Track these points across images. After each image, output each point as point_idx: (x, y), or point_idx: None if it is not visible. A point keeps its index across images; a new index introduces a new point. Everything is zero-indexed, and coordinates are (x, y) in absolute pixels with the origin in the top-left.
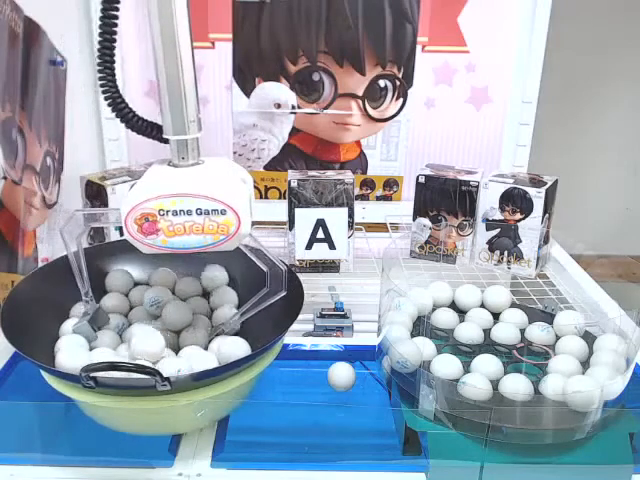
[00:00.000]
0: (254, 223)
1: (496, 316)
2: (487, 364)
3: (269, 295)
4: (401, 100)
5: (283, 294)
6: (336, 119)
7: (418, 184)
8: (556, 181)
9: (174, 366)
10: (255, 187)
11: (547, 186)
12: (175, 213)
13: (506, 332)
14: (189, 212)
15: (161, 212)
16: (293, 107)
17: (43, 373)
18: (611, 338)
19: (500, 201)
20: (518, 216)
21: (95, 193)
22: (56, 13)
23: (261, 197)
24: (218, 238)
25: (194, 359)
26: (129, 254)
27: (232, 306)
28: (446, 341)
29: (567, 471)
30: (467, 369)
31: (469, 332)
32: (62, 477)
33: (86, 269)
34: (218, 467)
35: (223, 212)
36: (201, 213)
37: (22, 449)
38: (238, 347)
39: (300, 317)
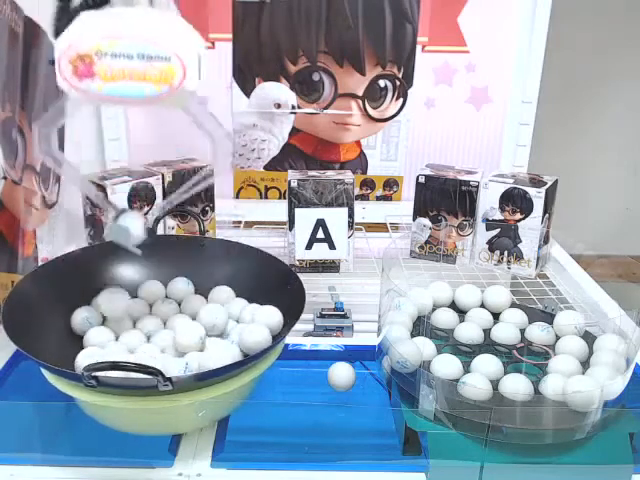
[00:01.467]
0: (253, 223)
1: (496, 316)
2: (487, 364)
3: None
4: (401, 100)
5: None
6: (336, 119)
7: (418, 184)
8: (556, 181)
9: (177, 365)
10: (255, 187)
11: (547, 186)
12: (114, 56)
13: (506, 332)
14: (129, 56)
15: (98, 54)
16: (293, 107)
17: (44, 372)
18: (611, 338)
19: (500, 201)
20: (518, 216)
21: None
22: None
23: (261, 197)
24: (160, 89)
25: (213, 350)
26: (129, 254)
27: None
28: (446, 341)
29: (567, 471)
30: (467, 369)
31: (469, 332)
32: (62, 477)
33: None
34: (218, 467)
35: (167, 59)
36: (143, 58)
37: (22, 449)
38: (260, 334)
39: (300, 317)
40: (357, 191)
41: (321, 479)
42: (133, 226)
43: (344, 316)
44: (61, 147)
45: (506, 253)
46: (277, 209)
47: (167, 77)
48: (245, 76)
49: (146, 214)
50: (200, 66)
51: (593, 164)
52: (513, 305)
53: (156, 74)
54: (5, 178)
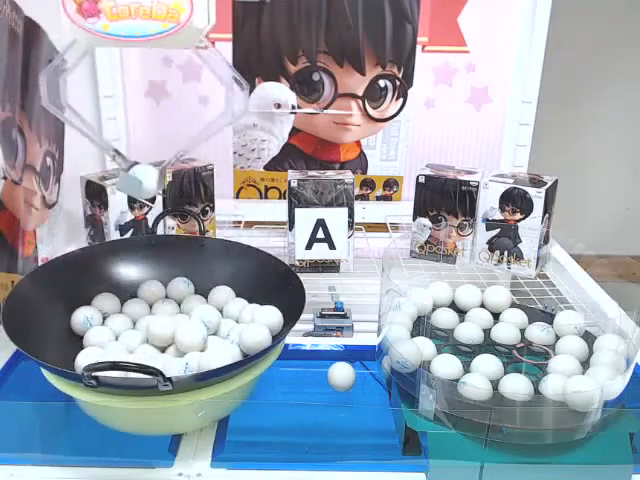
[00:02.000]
0: (253, 223)
1: (496, 316)
2: (487, 364)
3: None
4: (401, 100)
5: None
6: (336, 119)
7: (418, 184)
8: (556, 181)
9: (177, 365)
10: (255, 187)
11: (547, 186)
12: None
13: (506, 332)
14: None
15: None
16: (293, 107)
17: (44, 372)
18: (611, 338)
19: (500, 201)
20: (518, 216)
21: (95, 193)
22: (56, 13)
23: (261, 197)
24: (167, 26)
25: (213, 350)
26: (129, 254)
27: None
28: (446, 341)
29: (567, 471)
30: (467, 369)
31: (469, 332)
32: (62, 477)
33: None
34: (218, 467)
35: None
36: None
37: (22, 449)
38: (260, 334)
39: (300, 317)
40: (357, 191)
41: (321, 479)
42: (146, 178)
43: (344, 316)
44: (61, 147)
45: (506, 253)
46: (277, 209)
47: (174, 14)
48: (245, 76)
49: (146, 214)
50: (210, 5)
51: (593, 164)
52: (513, 305)
53: (163, 11)
54: (5, 178)
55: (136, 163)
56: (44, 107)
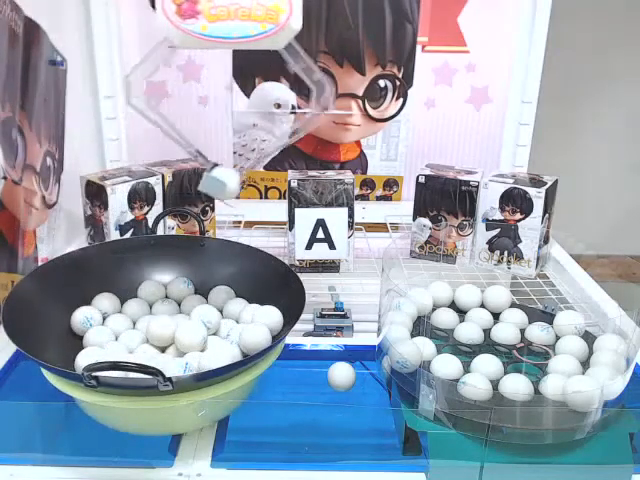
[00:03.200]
0: (253, 223)
1: (496, 316)
2: (487, 364)
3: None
4: (401, 100)
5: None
6: (336, 119)
7: (418, 184)
8: (556, 181)
9: (177, 365)
10: (255, 187)
11: (547, 186)
12: None
13: (506, 332)
14: None
15: None
16: (293, 107)
17: (44, 372)
18: (611, 338)
19: (500, 201)
20: (518, 216)
21: (95, 193)
22: (56, 13)
23: (261, 197)
24: (265, 27)
25: (213, 350)
26: (129, 254)
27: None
28: (446, 341)
29: (567, 471)
30: (467, 369)
31: (469, 332)
32: (62, 477)
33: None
34: (218, 467)
35: None
36: None
37: (22, 449)
38: (260, 334)
39: (300, 317)
40: (357, 191)
41: (321, 479)
42: (228, 180)
43: (344, 316)
44: (61, 147)
45: (506, 253)
46: (277, 209)
47: (273, 16)
48: (245, 76)
49: (146, 214)
50: (301, 10)
51: (593, 164)
52: (513, 305)
53: (262, 12)
54: (5, 178)
55: (216, 165)
56: (134, 106)
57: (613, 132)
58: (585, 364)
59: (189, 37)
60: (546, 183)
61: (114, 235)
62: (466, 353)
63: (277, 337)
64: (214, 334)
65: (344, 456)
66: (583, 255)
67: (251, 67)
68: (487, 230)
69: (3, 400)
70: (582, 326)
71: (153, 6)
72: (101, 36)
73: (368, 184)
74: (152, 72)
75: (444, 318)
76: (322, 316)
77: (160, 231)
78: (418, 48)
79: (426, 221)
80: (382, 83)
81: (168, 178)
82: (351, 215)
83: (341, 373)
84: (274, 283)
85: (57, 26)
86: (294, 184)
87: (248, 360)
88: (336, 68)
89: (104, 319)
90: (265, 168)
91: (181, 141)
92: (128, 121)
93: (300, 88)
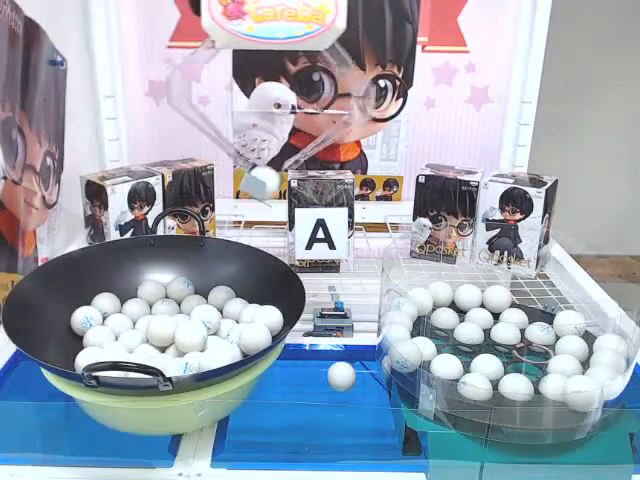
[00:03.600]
0: (254, 223)
1: (496, 316)
2: (487, 364)
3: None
4: (401, 100)
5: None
6: (336, 119)
7: (418, 184)
8: (556, 181)
9: (177, 365)
10: None
11: (547, 186)
12: None
13: (506, 332)
14: None
15: None
16: (293, 107)
17: (44, 372)
18: (611, 338)
19: (500, 201)
20: (518, 216)
21: (95, 193)
22: (56, 13)
23: None
24: (311, 28)
25: (213, 350)
26: (129, 254)
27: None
28: (446, 341)
29: (567, 471)
30: (467, 369)
31: (469, 332)
32: (62, 477)
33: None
34: (218, 467)
35: None
36: None
37: (22, 449)
38: (260, 334)
39: (300, 317)
40: (357, 191)
41: (321, 479)
42: (267, 179)
43: (344, 316)
44: (61, 147)
45: (506, 253)
46: (277, 209)
47: (319, 16)
48: (245, 76)
49: (146, 214)
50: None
51: (593, 164)
52: (513, 305)
53: (308, 12)
54: (5, 178)
55: (255, 165)
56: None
57: (613, 132)
58: (585, 364)
59: (234, 38)
60: (546, 183)
61: (114, 235)
62: (466, 353)
63: (277, 337)
64: (214, 334)
65: (344, 456)
66: (583, 255)
67: (251, 67)
68: (487, 230)
69: (3, 400)
70: (582, 326)
71: (195, 11)
72: (101, 36)
73: (368, 184)
74: (194, 72)
75: (444, 318)
76: (322, 316)
77: (160, 231)
78: (418, 48)
79: (426, 221)
80: (382, 83)
81: (168, 178)
82: (351, 215)
83: (341, 373)
84: (274, 283)
85: (57, 26)
86: (294, 184)
87: (248, 360)
88: (336, 68)
89: (104, 319)
90: None
91: (220, 141)
92: (128, 121)
93: (300, 88)
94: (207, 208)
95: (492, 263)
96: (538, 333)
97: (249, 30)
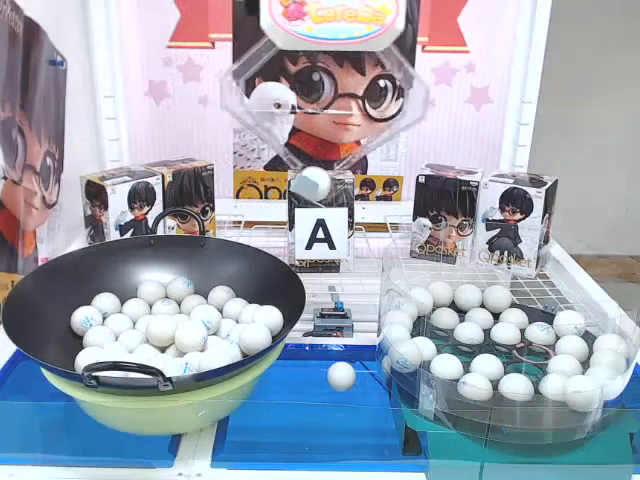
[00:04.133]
0: (254, 223)
1: (496, 316)
2: (487, 364)
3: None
4: (401, 100)
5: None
6: (336, 119)
7: (418, 184)
8: (556, 181)
9: (177, 365)
10: (255, 187)
11: (547, 186)
12: None
13: (506, 332)
14: None
15: None
16: (293, 107)
17: (44, 372)
18: (611, 338)
19: (500, 201)
20: (518, 216)
21: (95, 193)
22: (56, 13)
23: (261, 197)
24: (371, 29)
25: (213, 350)
26: (129, 254)
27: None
28: (446, 341)
29: (567, 471)
30: (467, 369)
31: (469, 332)
32: (62, 477)
33: (269, 134)
34: (218, 467)
35: None
36: None
37: (22, 449)
38: (260, 334)
39: (300, 317)
40: (357, 191)
41: (321, 479)
42: (319, 179)
43: (344, 316)
44: (61, 147)
45: (506, 253)
46: (277, 209)
47: (379, 17)
48: (245, 76)
49: (146, 214)
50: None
51: (593, 164)
52: (513, 305)
53: (369, 13)
54: (5, 178)
55: (305, 167)
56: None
57: (613, 132)
58: (585, 364)
59: (293, 38)
60: (546, 183)
61: (114, 235)
62: (466, 353)
63: (277, 337)
64: (214, 334)
65: (344, 456)
66: (583, 255)
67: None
68: (487, 230)
69: (3, 400)
70: (582, 326)
71: (250, 12)
72: (101, 36)
73: (368, 184)
74: (249, 74)
75: (444, 318)
76: (322, 316)
77: (160, 231)
78: (418, 48)
79: (426, 221)
80: (382, 83)
81: (168, 178)
82: (351, 215)
83: (341, 373)
84: (274, 283)
85: (57, 26)
86: None
87: (248, 360)
88: (336, 68)
89: (104, 319)
90: (265, 168)
91: (272, 142)
92: (128, 121)
93: (300, 88)
94: (207, 208)
95: (492, 263)
96: (538, 333)
97: (308, 31)
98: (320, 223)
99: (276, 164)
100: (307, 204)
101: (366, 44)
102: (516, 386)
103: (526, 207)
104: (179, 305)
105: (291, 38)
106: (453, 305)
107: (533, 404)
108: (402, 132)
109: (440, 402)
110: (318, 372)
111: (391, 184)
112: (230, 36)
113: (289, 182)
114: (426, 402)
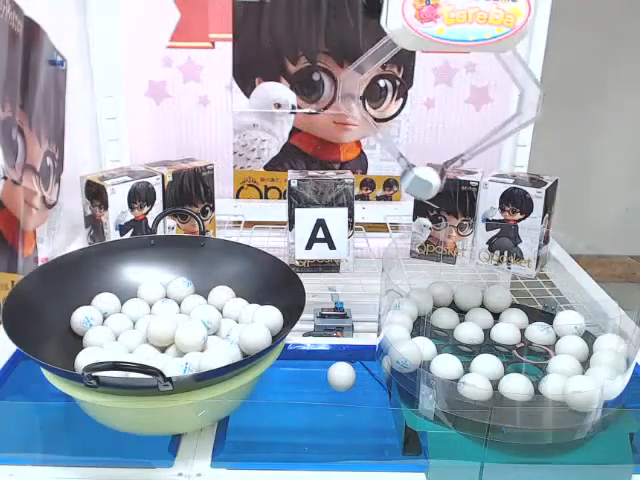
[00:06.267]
0: (254, 223)
1: (496, 316)
2: (487, 364)
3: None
4: (401, 100)
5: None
6: (336, 119)
7: None
8: (556, 181)
9: (177, 365)
10: (255, 187)
11: (547, 186)
12: None
13: (506, 332)
14: None
15: None
16: (293, 107)
17: (44, 372)
18: (611, 338)
19: (500, 201)
20: (518, 216)
21: (95, 193)
22: (56, 13)
23: (261, 197)
24: (501, 30)
25: (213, 350)
26: (129, 254)
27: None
28: (446, 341)
29: (567, 471)
30: (467, 369)
31: (469, 332)
32: (62, 477)
33: (382, 133)
34: (218, 467)
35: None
36: None
37: (22, 449)
38: (260, 334)
39: (300, 317)
40: (357, 191)
41: (321, 479)
42: (431, 178)
43: (344, 316)
44: (61, 147)
45: (506, 253)
46: (277, 209)
47: (510, 19)
48: (245, 76)
49: (146, 214)
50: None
51: (593, 164)
52: (513, 305)
53: (500, 15)
54: (5, 178)
55: (413, 166)
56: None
57: (613, 132)
58: (585, 364)
59: (424, 40)
60: (546, 183)
61: (114, 235)
62: (466, 353)
63: (277, 337)
64: (214, 334)
65: (344, 456)
66: (583, 255)
67: (251, 67)
68: (487, 230)
69: (3, 400)
70: (582, 326)
71: (369, 14)
72: (101, 36)
73: (368, 184)
74: (368, 73)
75: (444, 318)
76: (322, 316)
77: (160, 231)
78: None
79: (426, 221)
80: (382, 83)
81: (168, 178)
82: (351, 215)
83: (341, 373)
84: (274, 283)
85: (57, 26)
86: (294, 184)
87: (248, 360)
88: (336, 68)
89: (104, 319)
90: (265, 168)
91: (386, 141)
92: (128, 121)
93: (300, 88)
94: (207, 208)
95: (492, 263)
96: (538, 333)
97: (440, 32)
98: (320, 223)
99: (276, 164)
100: (307, 204)
101: (493, 46)
102: (516, 386)
103: (526, 207)
104: (179, 305)
105: (421, 40)
106: (453, 305)
107: (533, 404)
108: (402, 132)
109: (440, 402)
110: (318, 372)
111: (391, 184)
112: (230, 36)
113: (289, 182)
114: (426, 402)
